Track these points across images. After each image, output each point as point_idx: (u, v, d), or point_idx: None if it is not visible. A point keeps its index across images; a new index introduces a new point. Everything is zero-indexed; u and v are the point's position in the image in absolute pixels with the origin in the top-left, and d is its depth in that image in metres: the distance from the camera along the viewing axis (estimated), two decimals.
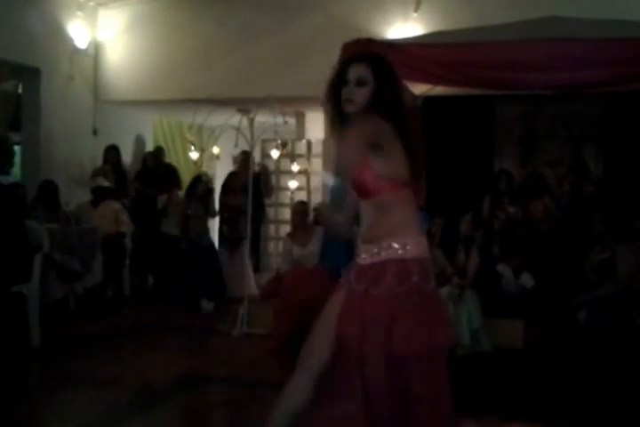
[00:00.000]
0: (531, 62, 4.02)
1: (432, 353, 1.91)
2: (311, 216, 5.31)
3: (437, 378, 1.94)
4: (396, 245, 1.90)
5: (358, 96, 1.94)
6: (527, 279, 4.52)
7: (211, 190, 6.50)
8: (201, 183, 6.27)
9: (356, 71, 1.95)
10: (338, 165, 1.88)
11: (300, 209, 5.10)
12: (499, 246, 4.67)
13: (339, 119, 1.99)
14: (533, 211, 4.92)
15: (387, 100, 1.94)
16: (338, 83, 1.97)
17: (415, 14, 5.89)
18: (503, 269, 4.54)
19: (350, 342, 1.86)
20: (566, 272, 4.38)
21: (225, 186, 6.67)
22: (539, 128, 6.32)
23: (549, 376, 3.71)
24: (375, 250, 1.92)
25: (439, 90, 5.44)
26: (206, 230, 6.31)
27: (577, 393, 3.43)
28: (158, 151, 7.33)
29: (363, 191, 1.96)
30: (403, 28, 5.94)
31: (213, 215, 6.51)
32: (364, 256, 1.95)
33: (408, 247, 1.90)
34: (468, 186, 5.65)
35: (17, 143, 7.04)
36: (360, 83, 1.94)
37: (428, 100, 5.83)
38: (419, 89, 5.58)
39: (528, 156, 6.35)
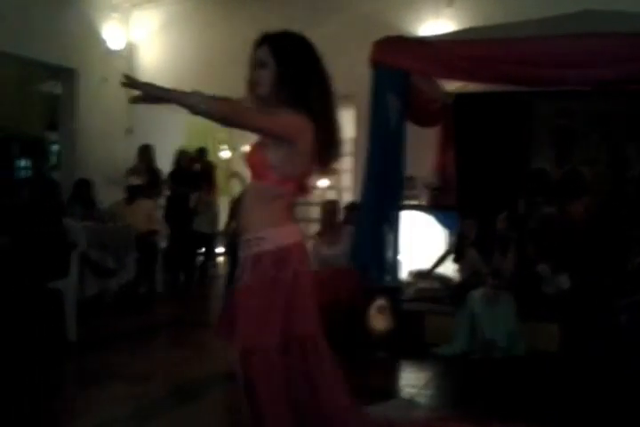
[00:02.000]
0: (567, 58, 3.93)
1: (302, 340, 1.91)
2: (341, 215, 5.30)
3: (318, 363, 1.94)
4: (253, 241, 1.91)
5: (262, 78, 1.90)
6: (564, 281, 4.42)
7: None
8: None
9: (258, 53, 1.92)
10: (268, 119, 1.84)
11: (330, 208, 5.09)
12: (534, 247, 4.58)
13: (261, 105, 1.94)
14: (572, 211, 4.79)
15: (289, 81, 1.87)
16: (250, 68, 1.94)
17: (447, 10, 5.82)
18: (543, 269, 4.44)
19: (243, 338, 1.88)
20: (606, 274, 4.27)
21: None
22: (576, 126, 6.16)
23: (585, 381, 3.62)
24: (247, 243, 1.93)
25: (472, 87, 5.37)
26: None
27: (614, 399, 3.34)
28: (200, 151, 7.40)
29: (250, 168, 1.97)
30: (434, 24, 5.88)
31: None
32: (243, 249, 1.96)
33: (264, 240, 1.89)
34: (503, 185, 5.56)
35: (55, 143, 7.23)
36: (261, 64, 1.90)
37: (461, 97, 5.78)
38: (451, 86, 5.53)
39: (564, 154, 6.20)
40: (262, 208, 1.92)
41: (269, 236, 1.90)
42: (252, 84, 1.93)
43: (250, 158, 1.97)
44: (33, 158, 8.28)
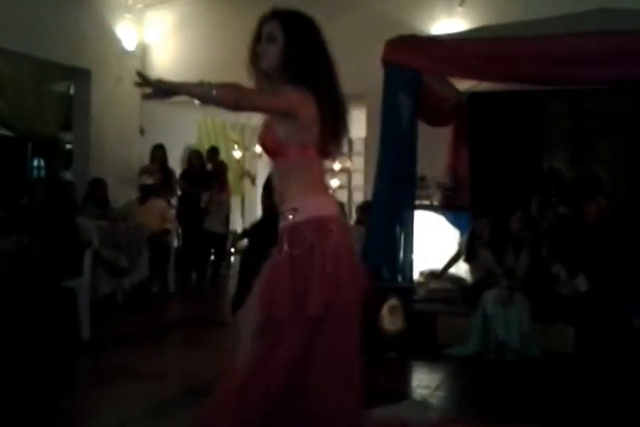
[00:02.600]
0: (583, 56, 3.89)
1: (336, 310, 1.91)
2: (354, 215, 5.29)
3: (342, 336, 1.97)
4: (287, 212, 1.91)
5: (269, 52, 1.91)
6: (581, 282, 4.37)
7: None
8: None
9: (267, 27, 1.93)
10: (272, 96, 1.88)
11: None
12: (548, 247, 4.54)
13: (263, 78, 1.96)
14: (587, 212, 4.73)
15: (296, 58, 1.88)
16: (255, 41, 1.95)
17: (460, 9, 5.79)
18: (558, 270, 4.39)
19: (264, 310, 1.87)
20: (621, 276, 4.22)
21: (268, 185, 6.71)
22: (591, 125, 6.09)
23: (599, 383, 3.59)
24: (282, 215, 1.93)
25: (485, 86, 5.33)
26: None
27: (628, 401, 3.31)
28: (212, 151, 7.42)
29: (266, 150, 1.98)
30: (447, 23, 5.84)
31: None
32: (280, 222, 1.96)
33: (298, 211, 1.89)
34: (517, 185, 5.52)
35: (69, 143, 7.29)
36: (269, 39, 1.91)
37: (474, 96, 5.74)
38: (464, 85, 5.50)
39: (579, 154, 6.14)
40: (291, 182, 1.93)
41: (303, 207, 1.90)
42: (256, 58, 1.94)
43: (262, 140, 1.98)
44: (47, 158, 8.35)
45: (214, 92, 1.73)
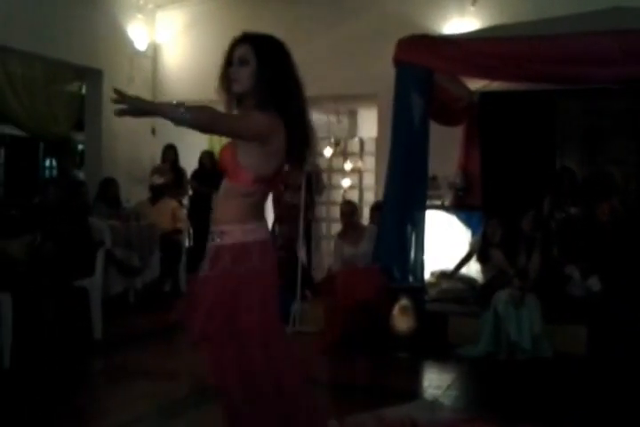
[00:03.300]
0: (596, 55, 3.86)
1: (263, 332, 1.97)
2: (367, 214, 5.28)
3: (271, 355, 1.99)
4: (216, 234, 1.99)
5: (241, 75, 1.93)
6: (594, 283, 4.34)
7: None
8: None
9: (239, 51, 1.96)
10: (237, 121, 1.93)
11: (347, 210, 5.08)
12: (560, 248, 4.50)
13: (234, 102, 1.99)
14: (599, 212, 4.70)
15: (268, 81, 1.92)
16: (226, 64, 1.97)
17: (472, 8, 5.76)
18: (572, 271, 4.36)
19: (193, 326, 2.00)
20: (635, 277, 4.18)
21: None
22: (603, 124, 6.04)
23: (612, 384, 3.56)
24: (211, 235, 2.02)
25: (496, 85, 5.30)
26: None
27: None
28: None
29: (222, 166, 2.01)
30: (459, 22, 5.82)
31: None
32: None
33: (225, 235, 1.97)
34: (529, 185, 5.48)
35: (81, 142, 7.33)
36: (242, 62, 1.94)
37: (486, 95, 5.71)
38: (476, 84, 5.47)
39: (592, 153, 6.09)
40: (230, 204, 1.98)
41: (231, 231, 1.97)
42: (227, 82, 1.96)
43: (222, 159, 2.02)
44: (59, 158, 8.41)
45: (189, 115, 1.75)
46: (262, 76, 1.92)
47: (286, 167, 2.08)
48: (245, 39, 1.97)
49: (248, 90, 1.94)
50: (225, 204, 2.00)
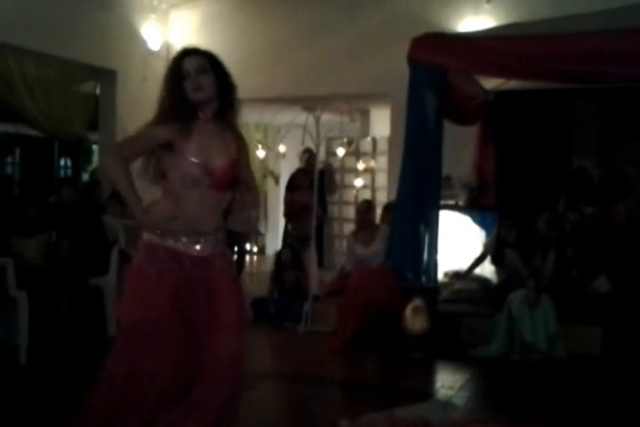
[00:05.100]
0: (614, 54, 3.82)
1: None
2: (378, 214, 5.27)
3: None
4: (210, 236, 2.12)
5: (205, 83, 1.99)
6: (602, 284, 4.30)
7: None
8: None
9: (192, 62, 2.00)
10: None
11: (364, 208, 5.08)
12: (574, 248, 4.46)
13: (188, 113, 2.01)
14: (615, 212, 4.65)
15: (222, 92, 2.02)
16: (176, 78, 1.99)
17: (487, 6, 5.72)
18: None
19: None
20: None
21: (291, 183, 6.72)
22: (620, 124, 5.98)
23: (627, 385, 3.52)
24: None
25: (511, 84, 5.26)
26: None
27: None
28: None
29: (225, 184, 2.11)
30: (474, 20, 5.78)
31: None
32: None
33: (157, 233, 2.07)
34: (544, 185, 5.44)
35: (96, 142, 7.39)
36: (201, 71, 1.99)
37: (501, 94, 5.67)
38: (491, 83, 5.44)
39: (608, 153, 6.03)
40: (217, 212, 2.15)
41: (221, 239, 2.18)
42: (194, 90, 1.99)
43: (231, 173, 2.09)
44: (74, 158, 8.48)
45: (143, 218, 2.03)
46: (224, 84, 2.02)
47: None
48: (191, 52, 2.04)
49: (212, 97, 2.00)
50: (212, 213, 2.13)
